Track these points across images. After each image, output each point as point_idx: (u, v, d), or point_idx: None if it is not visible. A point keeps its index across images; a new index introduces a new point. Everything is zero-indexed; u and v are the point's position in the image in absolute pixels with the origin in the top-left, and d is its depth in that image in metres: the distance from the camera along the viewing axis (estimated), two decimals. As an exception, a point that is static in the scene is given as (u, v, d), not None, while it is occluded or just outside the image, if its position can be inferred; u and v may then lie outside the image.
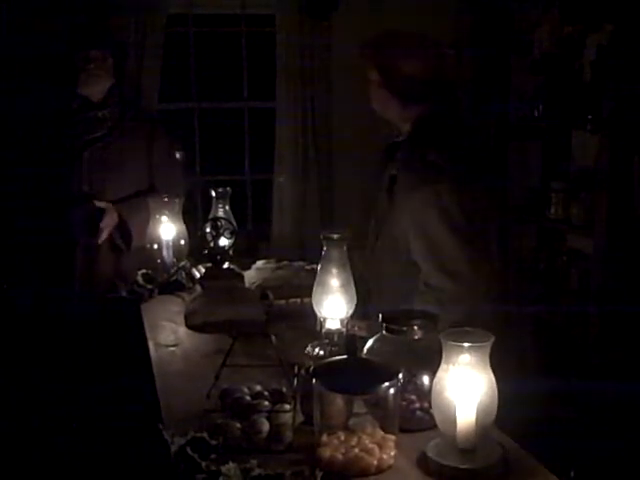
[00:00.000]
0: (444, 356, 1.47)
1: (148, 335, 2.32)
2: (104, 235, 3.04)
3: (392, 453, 1.49)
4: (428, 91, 2.16)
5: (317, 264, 1.85)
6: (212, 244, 2.59)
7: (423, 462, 1.48)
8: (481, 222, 2.11)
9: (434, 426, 1.53)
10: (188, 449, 1.46)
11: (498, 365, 1.47)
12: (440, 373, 1.48)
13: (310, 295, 1.84)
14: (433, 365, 1.50)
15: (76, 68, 3.07)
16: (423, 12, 3.77)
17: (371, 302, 2.28)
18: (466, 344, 1.44)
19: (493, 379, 1.46)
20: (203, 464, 1.44)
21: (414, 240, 2.09)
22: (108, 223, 3.03)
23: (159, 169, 3.17)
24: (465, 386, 1.44)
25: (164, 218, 2.82)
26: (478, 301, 2.02)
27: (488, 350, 1.44)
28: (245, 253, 2.95)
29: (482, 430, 1.45)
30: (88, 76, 3.05)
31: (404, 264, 2.14)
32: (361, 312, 1.96)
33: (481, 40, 4.01)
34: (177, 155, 3.44)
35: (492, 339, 1.44)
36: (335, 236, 1.80)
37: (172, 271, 2.76)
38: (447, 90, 2.20)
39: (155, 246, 2.82)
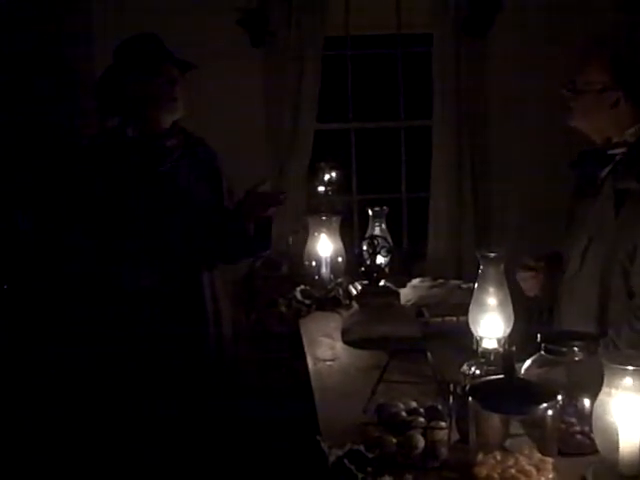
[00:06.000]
0: (606, 379, 1.43)
1: (306, 349, 2.40)
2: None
3: (550, 476, 1.46)
4: None
5: (473, 283, 1.85)
6: (369, 262, 2.65)
7: (583, 487, 1.45)
8: None
9: (595, 451, 1.49)
10: (345, 461, 1.50)
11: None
12: (602, 397, 1.44)
13: (466, 313, 1.83)
14: (594, 388, 1.47)
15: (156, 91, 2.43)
16: (581, 25, 3.63)
17: (553, 323, 2.24)
18: (630, 367, 1.39)
19: (659, 404, 1.40)
20: (360, 476, 1.48)
21: None
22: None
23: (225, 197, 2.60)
24: (628, 411, 1.40)
25: (323, 236, 2.91)
26: None
27: (654, 374, 1.39)
28: (401, 271, 2.99)
29: (647, 457, 1.40)
30: (172, 102, 2.45)
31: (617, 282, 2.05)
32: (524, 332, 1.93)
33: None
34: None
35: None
36: (492, 255, 1.79)
37: (329, 287, 2.84)
38: None
39: (313, 263, 2.92)
